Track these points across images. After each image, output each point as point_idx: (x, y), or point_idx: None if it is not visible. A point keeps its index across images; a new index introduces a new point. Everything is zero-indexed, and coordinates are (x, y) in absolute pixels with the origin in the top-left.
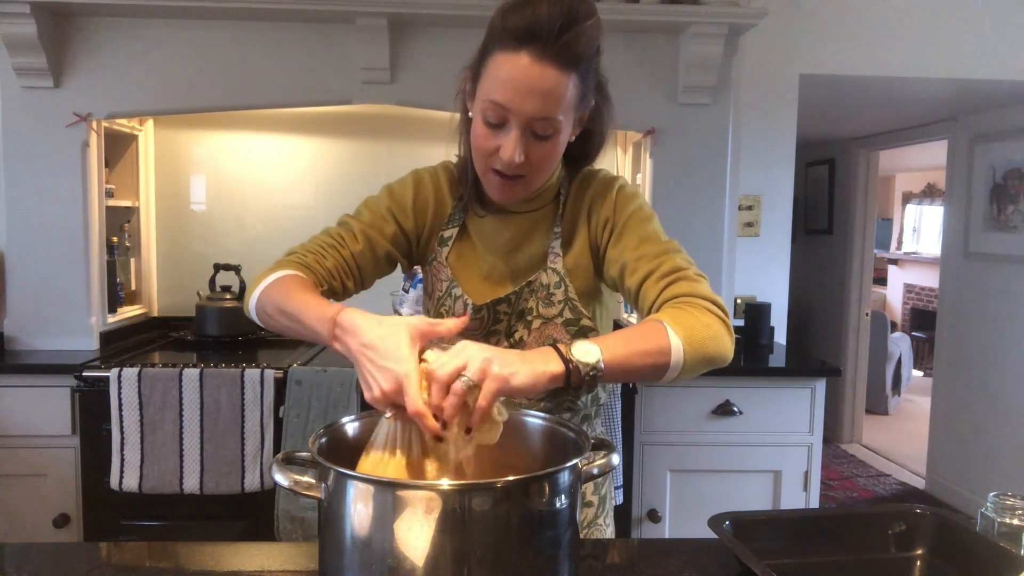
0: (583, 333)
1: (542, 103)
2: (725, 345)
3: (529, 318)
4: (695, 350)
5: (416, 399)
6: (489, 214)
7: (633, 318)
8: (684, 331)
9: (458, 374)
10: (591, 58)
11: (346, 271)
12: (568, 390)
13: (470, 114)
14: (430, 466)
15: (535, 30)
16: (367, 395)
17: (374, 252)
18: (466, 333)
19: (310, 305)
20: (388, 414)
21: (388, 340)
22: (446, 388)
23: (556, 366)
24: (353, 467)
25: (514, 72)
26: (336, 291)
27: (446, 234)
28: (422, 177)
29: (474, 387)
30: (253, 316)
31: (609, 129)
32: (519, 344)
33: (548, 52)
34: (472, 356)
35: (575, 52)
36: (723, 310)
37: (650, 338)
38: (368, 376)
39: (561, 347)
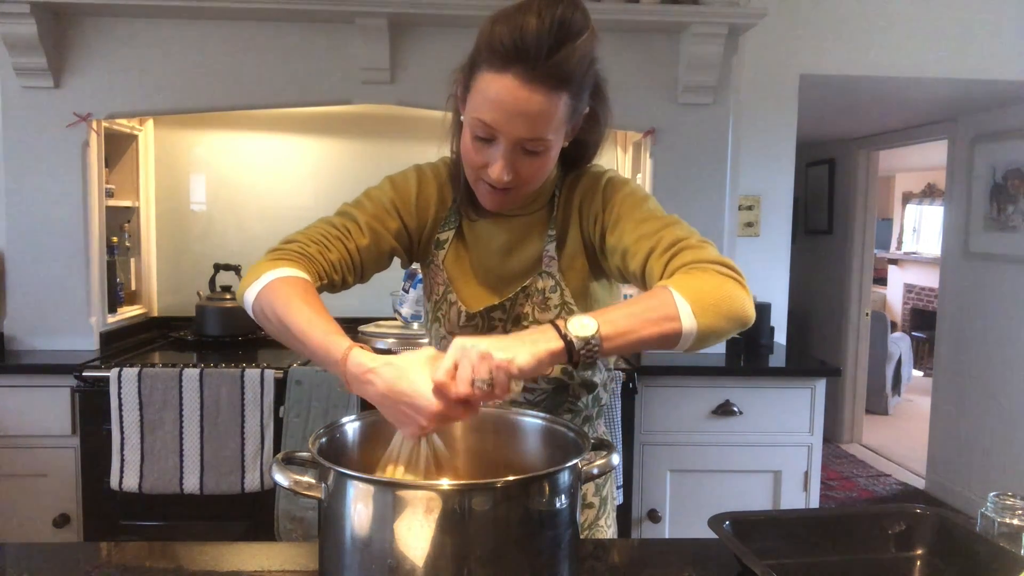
0: None
1: (530, 126)
2: (742, 303)
3: (525, 323)
4: (707, 312)
5: (464, 382)
6: (482, 219)
7: None
8: (692, 294)
9: (470, 381)
10: (584, 74)
11: (348, 265)
12: (573, 368)
13: (461, 117)
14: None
15: (522, 49)
16: (406, 431)
17: (378, 247)
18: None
19: (316, 336)
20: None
21: (405, 376)
22: (464, 398)
23: (555, 343)
24: (352, 467)
25: (501, 94)
26: (335, 284)
27: (442, 237)
28: (425, 173)
29: (491, 386)
30: (248, 310)
31: (606, 131)
32: None
33: (536, 74)
34: (472, 355)
35: (566, 72)
36: (735, 271)
37: (655, 306)
38: (401, 416)
39: (559, 322)
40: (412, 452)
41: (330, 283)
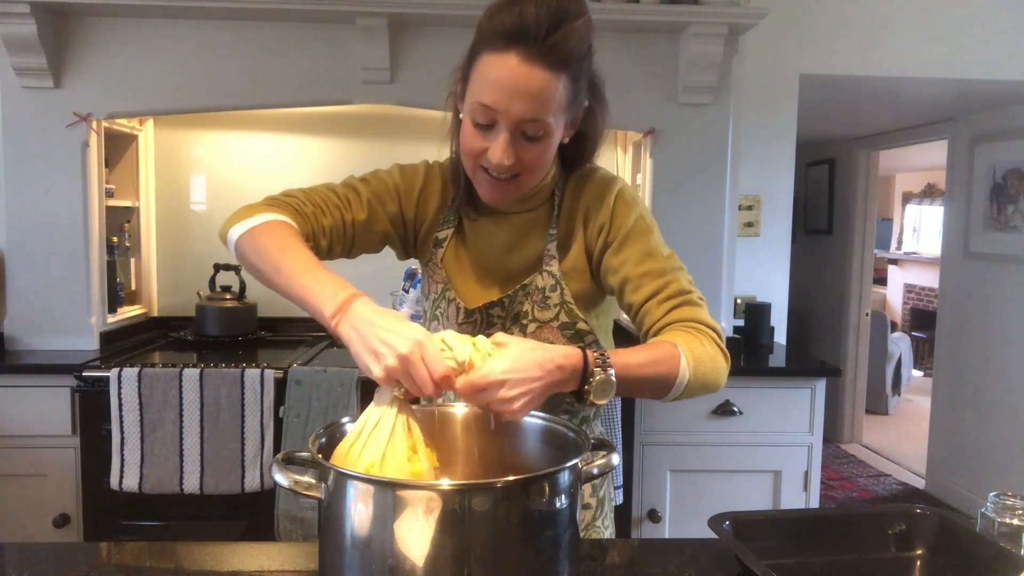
0: (579, 337)
1: (531, 104)
2: (723, 377)
3: (524, 321)
4: (697, 381)
5: (439, 360)
6: (482, 217)
7: None
8: (695, 362)
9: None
10: (582, 58)
11: (339, 235)
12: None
13: (461, 115)
14: (424, 459)
15: (523, 30)
16: (376, 367)
17: (372, 226)
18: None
19: (321, 279)
20: (396, 391)
21: (398, 321)
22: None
23: (572, 387)
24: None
25: (502, 72)
26: (321, 250)
27: (440, 235)
28: (433, 169)
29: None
30: (230, 248)
31: (604, 130)
32: None
33: (537, 52)
34: (505, 391)
35: (565, 52)
36: (722, 338)
37: (667, 374)
38: (378, 345)
39: (590, 356)
40: (381, 423)
41: (316, 248)
